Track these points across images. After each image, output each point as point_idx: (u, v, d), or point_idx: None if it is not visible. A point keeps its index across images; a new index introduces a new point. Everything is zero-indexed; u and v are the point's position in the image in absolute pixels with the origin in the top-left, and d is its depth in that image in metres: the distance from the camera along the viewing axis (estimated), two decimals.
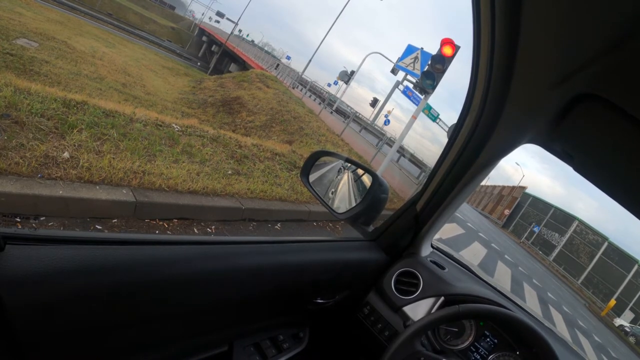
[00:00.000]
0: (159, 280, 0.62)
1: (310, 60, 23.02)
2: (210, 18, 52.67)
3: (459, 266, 1.23)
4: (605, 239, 26.71)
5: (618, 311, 21.66)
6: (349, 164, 1.23)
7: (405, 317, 1.01)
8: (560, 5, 0.45)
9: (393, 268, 1.10)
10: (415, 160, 13.67)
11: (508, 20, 0.52)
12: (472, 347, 0.96)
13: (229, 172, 4.58)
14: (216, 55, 37.26)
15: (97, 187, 2.96)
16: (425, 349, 0.84)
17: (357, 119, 17.60)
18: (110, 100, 8.32)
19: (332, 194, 1.21)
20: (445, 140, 1.17)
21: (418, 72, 7.90)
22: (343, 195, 1.19)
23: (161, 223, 3.26)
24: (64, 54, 11.97)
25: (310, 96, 19.53)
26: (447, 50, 6.54)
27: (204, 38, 44.95)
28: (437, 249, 1.26)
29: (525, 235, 32.80)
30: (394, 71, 9.45)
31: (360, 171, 1.18)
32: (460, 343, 0.98)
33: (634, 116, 0.48)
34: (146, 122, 4.50)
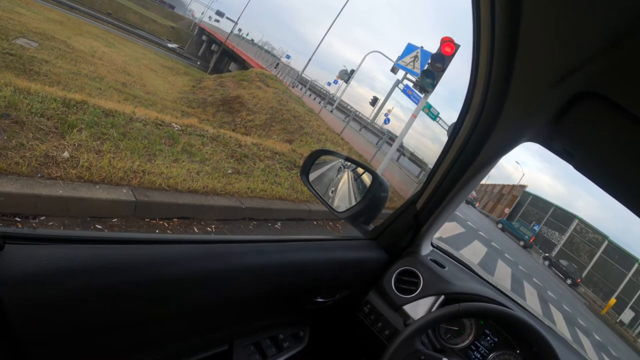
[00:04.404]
0: (159, 280, 0.62)
1: (310, 59, 23.02)
2: (210, 17, 52.53)
3: (459, 265, 1.23)
4: (605, 237, 26.68)
5: (618, 310, 21.67)
6: (349, 163, 1.23)
7: (406, 316, 1.01)
8: (560, 3, 0.45)
9: (393, 267, 1.10)
10: (415, 159, 13.68)
11: (508, 19, 0.52)
12: (472, 346, 0.96)
13: (229, 171, 4.58)
14: (216, 54, 37.22)
15: (97, 187, 2.96)
16: (425, 348, 0.84)
17: (357, 117, 17.61)
18: (110, 99, 8.32)
19: (332, 192, 1.20)
20: (445, 139, 1.17)
21: (418, 71, 7.89)
22: (343, 194, 1.19)
23: (161, 222, 3.26)
24: (63, 54, 11.95)
25: (310, 95, 19.53)
26: (447, 49, 6.54)
27: (204, 37, 44.90)
28: (437, 247, 1.26)
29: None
30: (394, 70, 9.45)
31: (360, 170, 1.18)
32: (460, 342, 0.98)
33: (634, 114, 0.48)
34: (146, 122, 4.49)
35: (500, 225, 30.50)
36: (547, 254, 27.94)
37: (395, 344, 0.80)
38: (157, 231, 3.14)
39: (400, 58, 8.45)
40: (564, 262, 25.45)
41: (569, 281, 23.73)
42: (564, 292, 18.24)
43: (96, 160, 3.18)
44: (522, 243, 27.64)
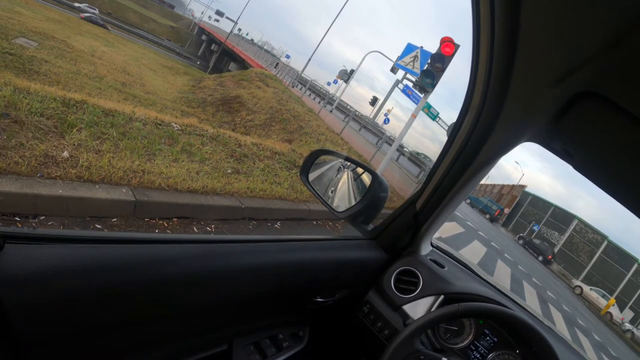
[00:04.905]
0: (158, 280, 0.62)
1: (309, 59, 23.01)
2: (209, 17, 52.44)
3: (459, 265, 1.23)
4: (604, 237, 26.70)
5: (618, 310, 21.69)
6: (349, 163, 1.23)
7: (405, 316, 1.01)
8: (560, 3, 0.45)
9: (393, 267, 1.10)
10: (414, 159, 13.69)
11: (507, 19, 0.52)
12: (471, 346, 0.96)
13: (229, 171, 4.58)
14: (216, 54, 37.23)
15: (97, 187, 2.96)
16: (425, 348, 0.84)
17: (356, 117, 17.61)
18: (110, 99, 8.32)
19: (331, 192, 1.20)
20: (444, 139, 1.17)
21: (418, 71, 7.89)
22: (343, 193, 1.19)
23: (161, 222, 3.26)
24: (63, 53, 11.95)
25: (309, 95, 19.54)
26: (447, 49, 6.55)
27: (204, 37, 44.94)
28: (437, 247, 1.26)
29: (525, 234, 32.91)
30: (393, 70, 9.44)
31: (359, 170, 1.18)
32: (460, 342, 0.98)
33: (634, 114, 0.48)
34: (146, 121, 4.49)
35: (468, 201, 32.47)
36: (521, 234, 30.77)
37: (394, 343, 0.80)
38: (156, 231, 3.13)
39: (400, 58, 8.45)
40: (536, 241, 28.32)
41: (540, 258, 26.48)
42: (563, 292, 18.28)
43: (96, 159, 3.17)
44: (487, 216, 30.52)
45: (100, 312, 0.56)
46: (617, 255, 25.43)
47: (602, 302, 21.06)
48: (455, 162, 0.90)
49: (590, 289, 22.23)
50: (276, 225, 4.47)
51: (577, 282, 23.20)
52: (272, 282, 0.85)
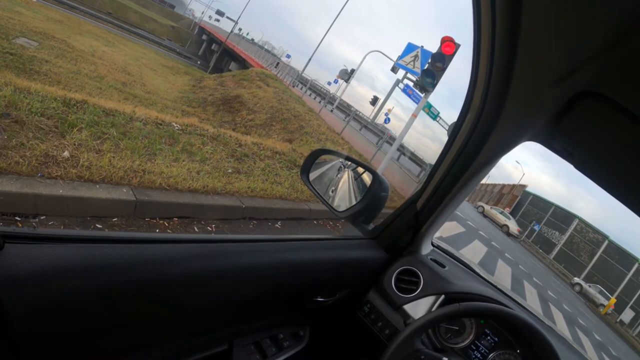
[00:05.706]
0: (159, 279, 0.62)
1: (310, 59, 23.02)
2: (210, 17, 52.38)
3: (460, 264, 1.23)
4: (605, 237, 26.66)
5: (618, 309, 21.67)
6: (349, 162, 1.23)
7: (406, 316, 1.01)
8: (560, 3, 0.45)
9: (393, 266, 1.10)
10: (415, 159, 13.69)
11: (508, 18, 0.52)
12: (472, 346, 0.96)
13: (229, 170, 4.58)
14: (216, 53, 37.23)
15: (97, 186, 2.96)
16: (425, 348, 0.84)
17: (357, 117, 17.59)
18: (110, 99, 8.32)
19: (332, 192, 1.20)
20: (445, 138, 1.17)
21: (418, 71, 7.89)
22: (343, 193, 1.19)
23: (161, 222, 3.26)
24: (63, 53, 11.94)
25: (310, 94, 19.53)
26: (447, 49, 6.54)
27: (204, 37, 44.91)
28: (438, 247, 1.26)
29: (525, 234, 32.82)
30: (394, 69, 9.44)
31: (360, 169, 1.18)
32: (460, 341, 0.98)
33: (634, 114, 0.48)
34: (146, 121, 4.49)
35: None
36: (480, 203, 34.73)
37: (395, 343, 0.80)
38: (157, 230, 3.14)
39: (400, 57, 8.45)
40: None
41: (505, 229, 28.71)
42: (564, 291, 18.29)
43: (96, 159, 3.18)
44: None
45: (100, 312, 0.56)
46: (618, 255, 25.40)
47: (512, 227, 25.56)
48: (455, 161, 0.90)
49: (509, 218, 26.87)
50: (277, 225, 4.47)
51: (503, 222, 26.29)
52: (273, 281, 0.85)
